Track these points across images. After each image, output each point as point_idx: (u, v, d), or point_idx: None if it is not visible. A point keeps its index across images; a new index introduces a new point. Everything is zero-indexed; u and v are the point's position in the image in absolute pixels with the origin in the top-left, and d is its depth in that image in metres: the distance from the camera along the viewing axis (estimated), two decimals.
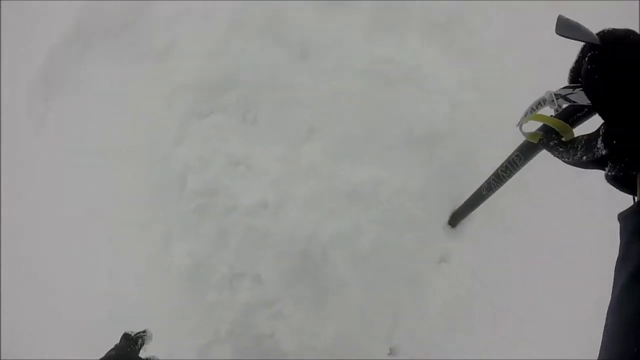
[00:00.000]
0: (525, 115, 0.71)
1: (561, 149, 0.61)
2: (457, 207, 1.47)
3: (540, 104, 0.68)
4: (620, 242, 0.52)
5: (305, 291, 1.49)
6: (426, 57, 1.61)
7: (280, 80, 1.63)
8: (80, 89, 1.87)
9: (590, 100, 0.52)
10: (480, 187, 1.25)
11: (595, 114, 0.55)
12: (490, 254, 1.50)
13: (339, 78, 1.58)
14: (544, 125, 0.69)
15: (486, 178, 1.19)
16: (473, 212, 1.39)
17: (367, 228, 1.43)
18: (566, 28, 0.54)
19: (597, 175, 0.56)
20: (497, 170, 1.12)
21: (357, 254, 1.44)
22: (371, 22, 1.67)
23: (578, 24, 0.55)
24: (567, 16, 0.55)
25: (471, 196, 1.35)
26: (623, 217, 0.53)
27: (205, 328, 1.59)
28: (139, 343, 1.37)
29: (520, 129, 0.74)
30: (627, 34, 0.52)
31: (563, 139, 0.63)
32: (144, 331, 1.41)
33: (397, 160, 1.49)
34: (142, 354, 1.33)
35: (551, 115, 0.68)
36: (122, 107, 1.78)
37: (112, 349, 1.31)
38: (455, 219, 1.49)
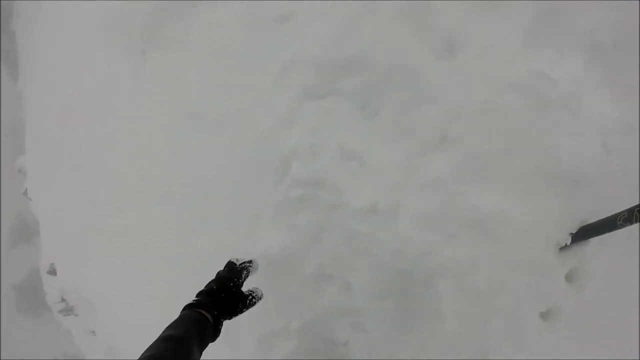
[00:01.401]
0: None
1: None
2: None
3: None
4: None
5: (395, 311, 1.37)
6: (587, 83, 1.40)
7: (414, 74, 1.44)
8: (181, 46, 1.72)
9: None
10: (617, 214, 1.15)
11: None
12: None
13: (486, 85, 1.39)
14: None
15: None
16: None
17: (485, 264, 1.29)
18: None
19: None
20: None
21: (466, 289, 1.30)
22: (530, 28, 1.46)
23: None
24: None
25: (600, 220, 1.23)
26: None
27: (274, 319, 1.50)
28: (243, 275, 1.33)
29: None
30: None
31: None
32: (250, 261, 1.36)
33: (532, 195, 1.33)
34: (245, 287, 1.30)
35: None
36: (226, 71, 1.63)
37: (214, 280, 1.28)
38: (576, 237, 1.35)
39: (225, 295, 1.25)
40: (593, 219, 1.29)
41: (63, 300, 2.24)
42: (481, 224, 1.29)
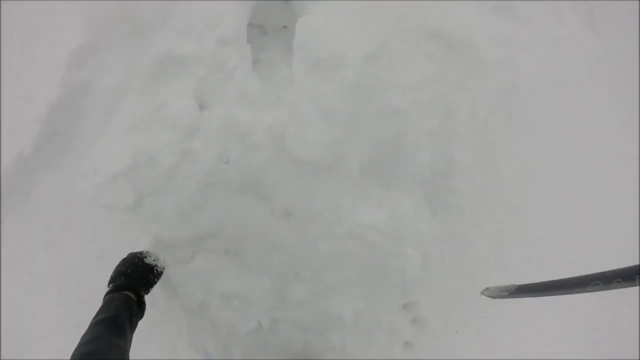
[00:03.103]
0: None
1: None
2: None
3: None
4: None
5: None
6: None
7: (263, 234, 1.61)
8: None
9: None
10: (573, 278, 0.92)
11: None
12: None
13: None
14: None
15: None
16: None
17: None
18: None
19: None
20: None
21: None
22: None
23: None
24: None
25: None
26: None
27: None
28: (143, 253, 1.52)
29: None
30: None
31: None
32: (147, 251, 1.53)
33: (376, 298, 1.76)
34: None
35: None
36: None
37: (118, 265, 1.43)
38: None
39: (135, 270, 1.40)
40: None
41: None
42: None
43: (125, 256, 1.49)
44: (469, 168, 1.56)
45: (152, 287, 1.44)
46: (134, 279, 1.35)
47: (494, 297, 1.09)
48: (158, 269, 1.51)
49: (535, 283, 1.01)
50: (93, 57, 1.64)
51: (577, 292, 0.94)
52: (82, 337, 1.02)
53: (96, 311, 1.15)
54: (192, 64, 1.54)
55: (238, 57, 1.55)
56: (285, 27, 1.85)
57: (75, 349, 0.97)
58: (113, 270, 1.39)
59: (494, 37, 1.63)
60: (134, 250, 1.53)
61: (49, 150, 1.68)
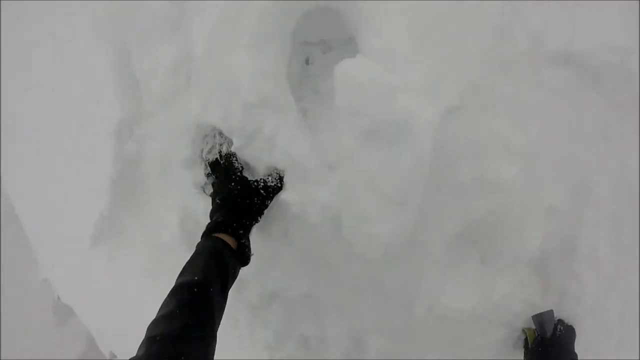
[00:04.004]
0: None
1: None
2: None
3: None
4: None
5: None
6: None
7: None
8: None
9: None
10: None
11: None
12: None
13: None
14: None
15: None
16: None
17: None
18: None
19: None
20: None
21: None
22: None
23: None
24: None
25: None
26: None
27: None
28: (233, 161, 1.20)
29: None
30: None
31: None
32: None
33: None
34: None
35: None
36: None
37: (212, 192, 1.20)
38: None
39: (235, 198, 1.06)
40: None
41: None
42: None
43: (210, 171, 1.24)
44: (601, 259, 1.03)
45: (262, 213, 1.11)
46: (237, 212, 1.04)
47: None
48: (269, 182, 1.12)
49: None
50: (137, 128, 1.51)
51: None
52: (161, 309, 0.85)
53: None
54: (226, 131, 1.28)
55: (278, 118, 1.22)
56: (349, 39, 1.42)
57: (150, 325, 0.82)
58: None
59: None
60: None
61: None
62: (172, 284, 0.90)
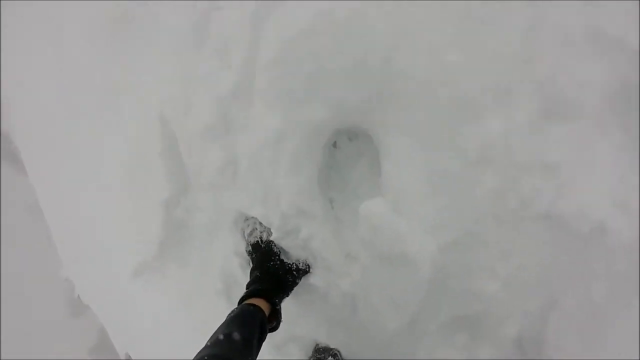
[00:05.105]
0: None
1: None
2: None
3: None
4: None
5: None
6: None
7: None
8: None
9: None
10: None
11: None
12: None
13: None
14: None
15: None
16: None
17: None
18: None
19: None
20: None
21: None
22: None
23: None
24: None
25: None
26: None
27: None
28: (273, 249, 1.44)
29: None
30: None
31: None
32: (269, 235, 1.50)
33: None
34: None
35: None
36: None
37: (252, 269, 1.42)
38: None
39: (272, 274, 1.30)
40: None
41: None
42: None
43: (252, 252, 1.49)
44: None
45: (292, 289, 1.35)
46: (273, 286, 1.26)
47: None
48: (300, 266, 1.40)
49: None
50: (184, 198, 1.76)
51: None
52: (213, 347, 0.97)
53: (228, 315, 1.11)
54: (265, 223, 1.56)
55: (311, 226, 1.49)
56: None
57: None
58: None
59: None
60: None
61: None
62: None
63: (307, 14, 1.25)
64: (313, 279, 1.55)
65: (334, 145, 1.59)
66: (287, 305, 1.54)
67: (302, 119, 1.36)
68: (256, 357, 1.06)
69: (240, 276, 1.70)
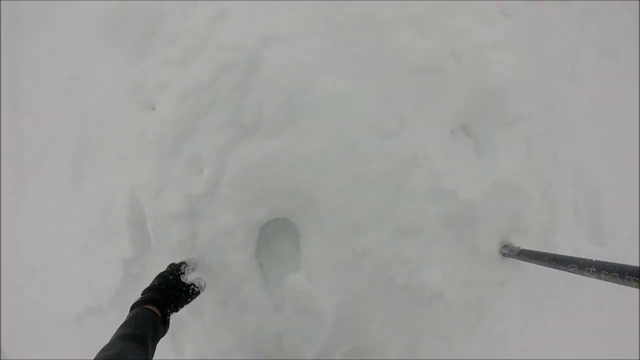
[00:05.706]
0: None
1: None
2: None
3: None
4: None
5: None
6: None
7: None
8: None
9: None
10: (569, 259, 1.24)
11: None
12: None
13: None
14: None
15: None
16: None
17: None
18: None
19: None
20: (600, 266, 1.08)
21: None
22: None
23: None
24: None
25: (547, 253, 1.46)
26: None
27: None
28: (181, 268, 1.52)
29: None
30: None
31: None
32: (187, 260, 1.61)
33: None
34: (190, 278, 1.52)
35: None
36: None
37: (155, 278, 1.44)
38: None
39: (167, 288, 1.36)
40: None
41: None
42: None
43: (167, 267, 1.57)
44: None
45: (183, 306, 1.43)
46: (165, 298, 1.33)
47: (504, 255, 1.75)
48: (195, 288, 1.49)
49: (537, 252, 1.49)
50: (143, 258, 2.23)
51: (572, 272, 1.11)
52: (108, 349, 1.02)
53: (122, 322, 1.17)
54: None
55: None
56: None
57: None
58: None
59: None
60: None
61: None
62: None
63: (261, 153, 1.86)
64: (249, 319, 2.17)
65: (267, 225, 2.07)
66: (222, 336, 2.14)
67: (248, 217, 1.97)
68: (152, 355, 1.14)
69: (188, 321, 2.23)
